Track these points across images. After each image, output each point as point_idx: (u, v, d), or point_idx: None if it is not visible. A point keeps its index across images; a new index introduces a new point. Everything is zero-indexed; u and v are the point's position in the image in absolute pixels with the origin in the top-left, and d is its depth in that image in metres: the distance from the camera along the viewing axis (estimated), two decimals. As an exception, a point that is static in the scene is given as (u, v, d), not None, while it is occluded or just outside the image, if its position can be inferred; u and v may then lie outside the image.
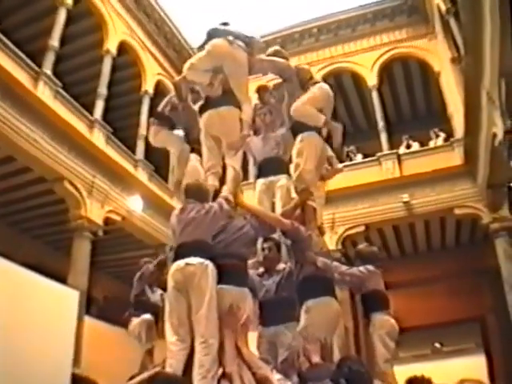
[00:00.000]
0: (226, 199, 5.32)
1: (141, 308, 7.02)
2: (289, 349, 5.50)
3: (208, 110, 6.16)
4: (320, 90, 6.57)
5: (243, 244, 5.30)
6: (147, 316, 6.82)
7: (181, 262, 4.87)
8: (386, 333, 5.82)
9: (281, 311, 5.64)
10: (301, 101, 6.33)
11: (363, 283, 5.92)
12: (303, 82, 6.64)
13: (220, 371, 4.68)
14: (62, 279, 11.45)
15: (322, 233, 6.32)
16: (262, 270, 6.01)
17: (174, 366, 4.68)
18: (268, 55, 6.90)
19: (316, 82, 6.78)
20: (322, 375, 4.59)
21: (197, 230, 5.02)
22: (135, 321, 6.87)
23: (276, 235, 6.00)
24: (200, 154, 6.60)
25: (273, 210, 6.42)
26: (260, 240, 6.00)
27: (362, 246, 6.65)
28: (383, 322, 5.86)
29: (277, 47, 7.32)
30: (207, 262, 4.86)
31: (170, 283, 4.92)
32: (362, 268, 5.90)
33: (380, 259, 6.57)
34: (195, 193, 5.37)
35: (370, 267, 5.97)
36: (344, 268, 5.75)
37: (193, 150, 6.92)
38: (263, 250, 5.94)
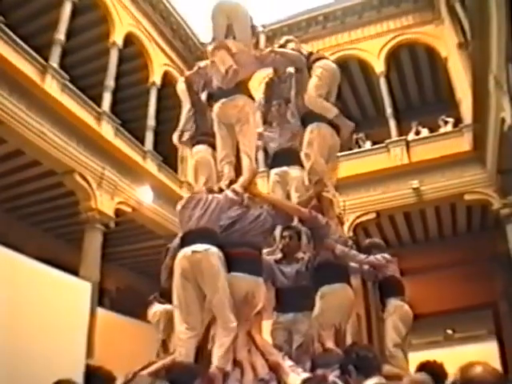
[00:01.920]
0: (234, 190, 5.33)
1: (165, 297, 7.03)
2: (304, 336, 5.53)
3: (221, 99, 6.23)
4: (326, 69, 6.61)
5: (260, 233, 5.34)
6: (169, 307, 6.84)
7: (187, 250, 4.88)
8: (399, 318, 5.87)
9: (299, 299, 5.66)
10: (311, 89, 6.36)
11: (381, 270, 5.99)
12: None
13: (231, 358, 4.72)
14: (74, 271, 11.54)
15: (341, 222, 6.38)
16: (279, 255, 6.02)
17: (183, 354, 4.71)
18: (280, 46, 6.96)
19: (318, 58, 6.81)
20: (332, 361, 4.62)
21: (202, 219, 5.04)
22: (157, 308, 6.87)
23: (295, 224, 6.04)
24: (211, 145, 6.67)
25: (287, 199, 6.46)
26: (279, 228, 6.03)
27: (371, 239, 6.76)
28: (397, 308, 5.91)
29: (289, 37, 7.37)
30: (213, 248, 4.88)
31: (177, 271, 4.93)
32: (379, 256, 5.96)
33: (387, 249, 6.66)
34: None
35: (387, 255, 6.04)
36: (362, 256, 5.79)
37: (203, 142, 6.98)
38: (283, 237, 5.95)
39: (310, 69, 6.61)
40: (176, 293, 4.94)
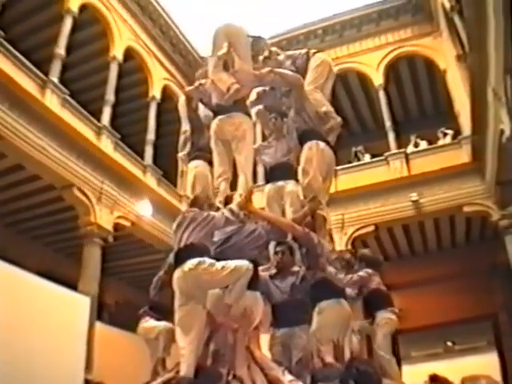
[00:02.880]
0: (231, 209, 5.33)
1: (157, 311, 6.97)
2: (303, 350, 5.52)
3: (218, 116, 6.29)
4: (321, 64, 6.92)
5: (255, 247, 5.34)
6: (169, 325, 6.79)
7: (184, 267, 4.87)
8: (389, 331, 5.86)
9: (295, 313, 5.65)
10: (309, 83, 6.49)
11: (365, 285, 5.99)
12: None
13: (231, 375, 4.70)
14: (73, 286, 11.55)
15: (331, 239, 6.41)
16: (274, 271, 6.02)
17: (184, 370, 4.70)
18: (265, 58, 7.05)
19: (314, 53, 7.08)
20: (332, 376, 4.61)
21: (192, 235, 5.04)
22: (154, 323, 6.81)
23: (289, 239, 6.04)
24: (208, 161, 6.71)
25: (282, 214, 6.46)
26: (272, 244, 6.03)
27: (365, 250, 6.73)
28: (388, 320, 5.90)
29: (273, 48, 7.45)
30: (207, 260, 4.88)
31: (176, 290, 4.93)
32: (361, 272, 5.98)
33: (381, 265, 6.65)
34: (199, 204, 5.44)
35: (369, 270, 6.05)
36: (347, 279, 5.81)
37: (200, 158, 7.01)
38: (277, 253, 5.95)
39: (306, 66, 6.81)
40: (177, 311, 4.92)
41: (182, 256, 4.97)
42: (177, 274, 4.89)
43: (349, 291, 6.03)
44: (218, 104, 6.40)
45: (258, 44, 7.07)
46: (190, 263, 4.79)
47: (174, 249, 5.34)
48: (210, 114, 6.71)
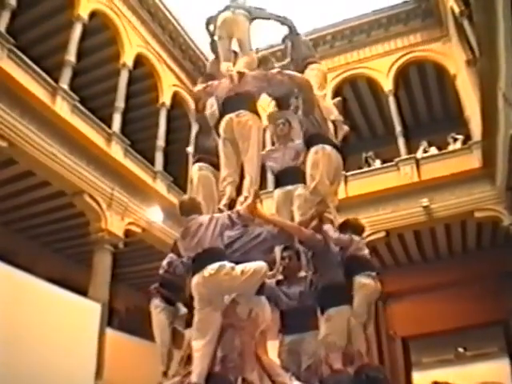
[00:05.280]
0: (238, 213, 5.28)
1: (168, 288, 6.88)
2: (312, 356, 5.49)
3: (227, 115, 6.25)
4: (320, 72, 7.08)
5: (260, 252, 5.29)
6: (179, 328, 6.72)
7: (204, 272, 4.83)
8: (365, 297, 5.71)
9: (304, 319, 5.62)
10: (316, 89, 6.56)
11: (346, 249, 5.87)
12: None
13: (240, 380, 4.69)
14: (83, 292, 11.57)
15: None
16: (280, 277, 5.99)
17: (197, 373, 4.68)
18: (259, 62, 7.15)
19: (310, 62, 7.19)
20: (342, 382, 4.58)
21: (205, 240, 5.01)
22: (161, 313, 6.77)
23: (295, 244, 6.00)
24: (213, 164, 6.67)
25: (291, 219, 6.42)
26: (278, 248, 6.00)
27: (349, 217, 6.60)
28: (361, 285, 5.75)
29: (267, 56, 7.56)
30: (227, 264, 4.85)
31: (196, 296, 4.89)
32: (347, 236, 5.88)
33: (364, 230, 6.51)
34: (192, 210, 5.38)
35: (356, 237, 5.97)
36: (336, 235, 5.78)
37: (205, 160, 6.99)
38: (283, 258, 5.92)
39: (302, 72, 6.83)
40: (197, 321, 4.90)
41: (200, 261, 4.94)
42: (196, 279, 4.81)
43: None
44: (225, 103, 6.39)
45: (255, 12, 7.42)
46: (211, 268, 4.71)
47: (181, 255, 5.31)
48: (216, 113, 6.67)
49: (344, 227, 6.13)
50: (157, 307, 6.72)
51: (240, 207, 5.38)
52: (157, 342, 6.62)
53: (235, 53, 7.29)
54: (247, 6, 7.36)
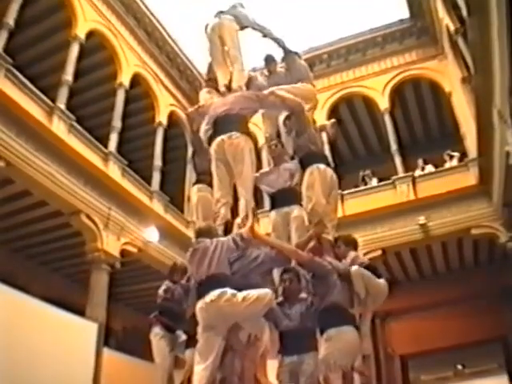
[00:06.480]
0: (241, 236, 5.31)
1: (167, 315, 6.88)
2: (311, 377, 5.46)
3: (218, 136, 6.26)
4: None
5: (258, 274, 5.32)
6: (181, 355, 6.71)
7: (206, 298, 4.87)
8: None
9: (304, 341, 5.59)
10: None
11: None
12: None
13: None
14: (80, 312, 11.52)
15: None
16: (280, 299, 5.97)
17: None
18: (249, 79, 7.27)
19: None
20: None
21: (211, 266, 5.05)
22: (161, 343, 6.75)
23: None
24: (211, 184, 6.67)
25: (289, 241, 6.42)
26: (277, 270, 5.99)
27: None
28: None
29: (252, 73, 7.65)
30: (228, 291, 4.87)
31: (201, 322, 4.94)
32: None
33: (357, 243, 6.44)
34: (206, 234, 5.44)
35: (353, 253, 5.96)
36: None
37: (203, 181, 7.02)
38: (283, 281, 5.90)
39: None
40: (200, 345, 4.92)
41: (204, 287, 4.99)
42: (199, 304, 4.91)
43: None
44: (216, 123, 6.40)
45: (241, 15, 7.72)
46: (212, 294, 4.81)
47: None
48: (210, 133, 6.68)
49: (337, 243, 6.14)
50: (157, 335, 6.75)
51: (240, 229, 5.42)
52: (157, 368, 6.63)
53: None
54: (238, 13, 7.64)
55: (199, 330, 4.94)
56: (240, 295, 4.76)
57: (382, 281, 5.71)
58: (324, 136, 7.44)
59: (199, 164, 7.29)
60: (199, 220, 6.79)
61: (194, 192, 7.11)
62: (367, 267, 5.74)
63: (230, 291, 4.81)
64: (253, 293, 4.80)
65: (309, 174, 6.27)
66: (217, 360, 4.84)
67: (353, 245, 6.16)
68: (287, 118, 7.10)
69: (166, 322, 6.72)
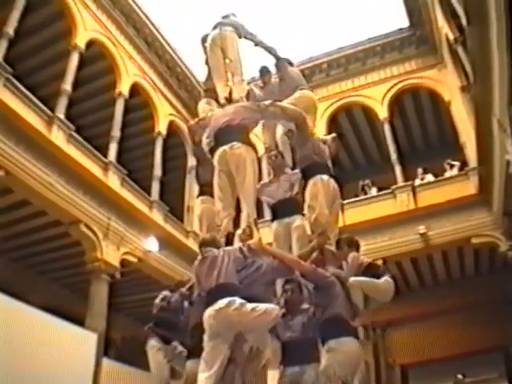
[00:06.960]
0: (249, 247, 5.31)
1: (163, 327, 6.84)
2: (311, 388, 5.45)
3: (221, 147, 6.26)
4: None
5: (261, 284, 5.32)
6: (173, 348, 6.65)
7: (215, 306, 4.87)
8: None
9: (306, 352, 5.58)
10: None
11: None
12: None
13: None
14: (80, 321, 11.48)
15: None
16: (283, 311, 5.95)
17: None
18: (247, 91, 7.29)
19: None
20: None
21: (220, 275, 5.06)
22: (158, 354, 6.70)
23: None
24: (214, 195, 6.67)
25: (290, 250, 6.41)
26: (280, 281, 5.98)
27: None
28: None
29: (247, 87, 7.67)
30: (237, 300, 4.87)
31: (207, 329, 4.94)
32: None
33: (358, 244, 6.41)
34: (211, 244, 5.45)
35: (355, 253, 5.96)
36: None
37: (206, 193, 7.02)
38: (285, 291, 5.88)
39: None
40: (205, 348, 4.92)
41: (213, 296, 5.00)
42: (208, 312, 4.92)
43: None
44: (218, 135, 6.40)
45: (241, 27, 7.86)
46: (221, 302, 4.82)
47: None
48: (212, 145, 6.69)
49: (339, 244, 6.13)
50: (153, 347, 6.69)
51: (243, 241, 5.42)
52: (154, 381, 6.59)
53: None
54: (236, 24, 7.70)
55: (205, 338, 4.95)
56: (249, 306, 4.79)
57: (383, 280, 5.68)
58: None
59: (202, 175, 7.31)
60: (203, 232, 6.80)
61: (197, 204, 7.12)
62: (368, 267, 5.74)
63: (238, 300, 4.83)
64: (261, 306, 4.84)
65: (312, 184, 6.27)
66: (221, 369, 4.84)
67: (355, 246, 6.15)
68: (289, 130, 7.10)
69: (162, 333, 6.68)
